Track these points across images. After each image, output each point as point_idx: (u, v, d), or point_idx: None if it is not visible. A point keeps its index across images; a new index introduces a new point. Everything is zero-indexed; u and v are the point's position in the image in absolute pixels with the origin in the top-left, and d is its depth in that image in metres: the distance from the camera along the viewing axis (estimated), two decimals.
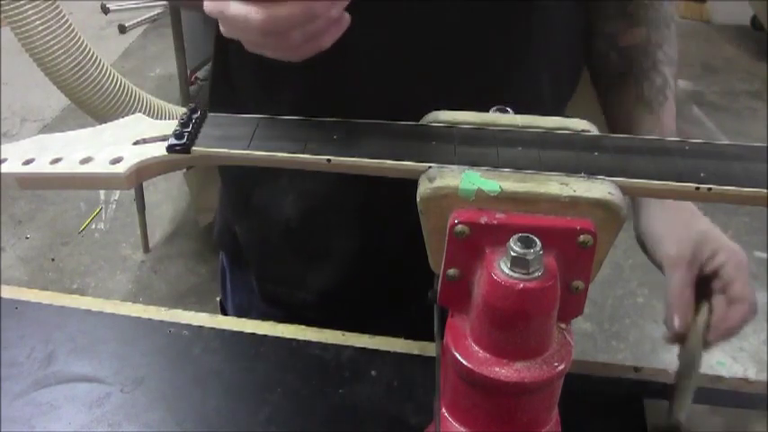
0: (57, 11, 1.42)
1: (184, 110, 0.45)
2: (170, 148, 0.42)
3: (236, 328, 0.66)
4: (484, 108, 0.47)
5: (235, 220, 0.75)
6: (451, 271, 0.39)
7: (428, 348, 0.63)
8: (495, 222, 0.37)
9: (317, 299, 0.72)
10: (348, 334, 0.65)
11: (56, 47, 1.42)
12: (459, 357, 0.38)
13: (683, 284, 0.57)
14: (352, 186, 0.64)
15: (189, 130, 0.43)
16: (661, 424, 0.56)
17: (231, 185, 0.75)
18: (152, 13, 3.67)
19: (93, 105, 1.53)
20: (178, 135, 0.42)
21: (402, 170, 0.40)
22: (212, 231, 0.83)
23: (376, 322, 0.67)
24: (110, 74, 1.53)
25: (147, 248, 2.26)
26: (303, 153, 0.41)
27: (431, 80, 0.61)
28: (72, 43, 1.44)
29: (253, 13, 0.39)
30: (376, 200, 0.64)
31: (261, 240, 0.73)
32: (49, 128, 2.85)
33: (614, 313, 2.10)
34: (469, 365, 0.38)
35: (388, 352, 0.63)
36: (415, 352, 0.63)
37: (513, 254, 0.36)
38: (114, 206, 2.46)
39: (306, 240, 0.70)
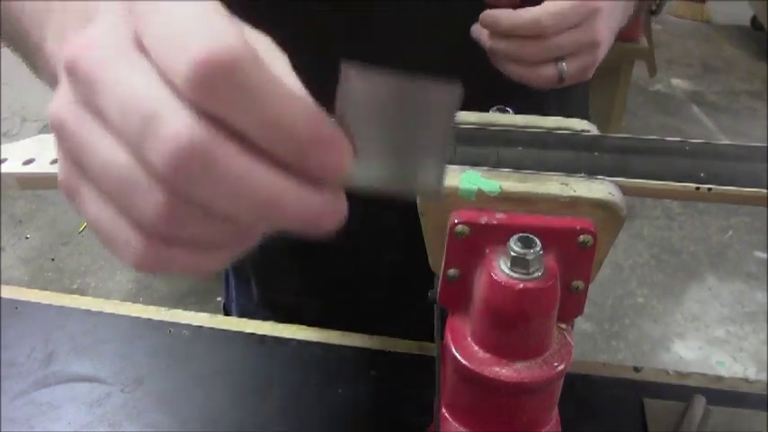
0: None
1: None
2: None
3: (236, 328, 0.66)
4: (484, 108, 0.47)
5: None
6: (451, 271, 0.39)
7: (428, 348, 0.63)
8: (495, 222, 0.37)
9: (317, 304, 0.72)
10: (348, 334, 0.65)
11: None
12: (459, 357, 0.38)
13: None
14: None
15: None
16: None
17: None
18: None
19: None
20: None
21: None
22: None
23: (376, 326, 0.67)
24: None
25: None
26: None
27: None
28: None
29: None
30: (375, 206, 0.64)
31: (260, 247, 0.73)
32: (48, 128, 2.84)
33: (614, 313, 2.10)
34: (469, 365, 0.38)
35: (388, 352, 0.63)
36: (415, 352, 0.63)
37: (513, 254, 0.36)
38: None
39: (305, 247, 0.70)
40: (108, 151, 0.25)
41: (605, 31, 0.54)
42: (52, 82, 0.38)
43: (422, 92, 0.26)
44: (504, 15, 0.52)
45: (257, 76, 0.24)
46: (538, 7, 0.52)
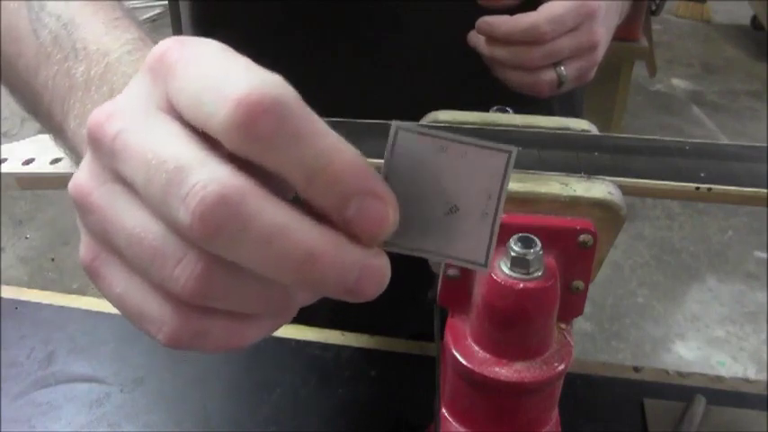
0: None
1: None
2: None
3: None
4: (484, 108, 0.47)
5: None
6: (451, 271, 0.39)
7: (428, 348, 0.63)
8: None
9: (326, 310, 0.72)
10: (348, 334, 0.65)
11: None
12: (459, 357, 0.38)
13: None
14: None
15: None
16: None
17: None
18: (152, 13, 3.67)
19: None
20: None
21: None
22: None
23: (376, 326, 0.67)
24: None
25: None
26: None
27: (431, 80, 0.61)
28: None
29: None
30: None
31: None
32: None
33: (614, 313, 2.10)
34: (469, 365, 0.38)
35: (388, 352, 0.63)
36: (415, 352, 0.63)
37: (512, 254, 0.36)
38: None
39: None
40: (136, 222, 0.24)
41: (602, 32, 0.54)
42: (74, 159, 0.37)
43: (473, 155, 0.24)
44: (501, 22, 0.52)
45: (303, 116, 0.23)
46: (534, 13, 0.51)
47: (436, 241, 0.25)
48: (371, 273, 0.24)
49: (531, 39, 0.51)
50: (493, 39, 0.53)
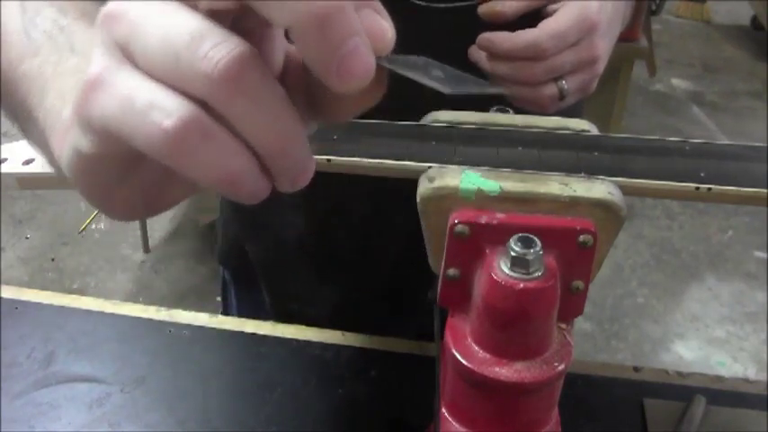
0: None
1: None
2: None
3: (236, 328, 0.66)
4: (484, 108, 0.47)
5: (247, 238, 0.75)
6: (451, 271, 0.39)
7: (428, 348, 0.63)
8: (495, 222, 0.37)
9: (328, 312, 0.72)
10: (348, 334, 0.65)
11: None
12: (459, 357, 0.38)
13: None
14: (357, 199, 0.64)
15: None
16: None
17: (242, 204, 0.75)
18: None
19: None
20: None
21: (402, 170, 0.40)
22: (213, 231, 0.83)
23: (377, 327, 0.67)
24: None
25: (147, 248, 2.27)
26: None
27: (431, 93, 0.61)
28: None
29: None
30: (380, 210, 0.64)
31: (275, 258, 0.73)
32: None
33: (614, 313, 2.10)
34: (469, 365, 0.38)
35: (388, 352, 0.63)
36: (415, 352, 0.63)
37: (513, 254, 0.36)
38: None
39: (317, 255, 0.70)
40: (176, 15, 0.24)
41: (603, 45, 0.54)
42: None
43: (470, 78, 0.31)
44: (502, 39, 0.52)
45: None
46: (536, 29, 0.51)
47: (417, 73, 0.30)
48: (362, 53, 0.25)
49: (533, 55, 0.51)
50: (494, 55, 0.53)
